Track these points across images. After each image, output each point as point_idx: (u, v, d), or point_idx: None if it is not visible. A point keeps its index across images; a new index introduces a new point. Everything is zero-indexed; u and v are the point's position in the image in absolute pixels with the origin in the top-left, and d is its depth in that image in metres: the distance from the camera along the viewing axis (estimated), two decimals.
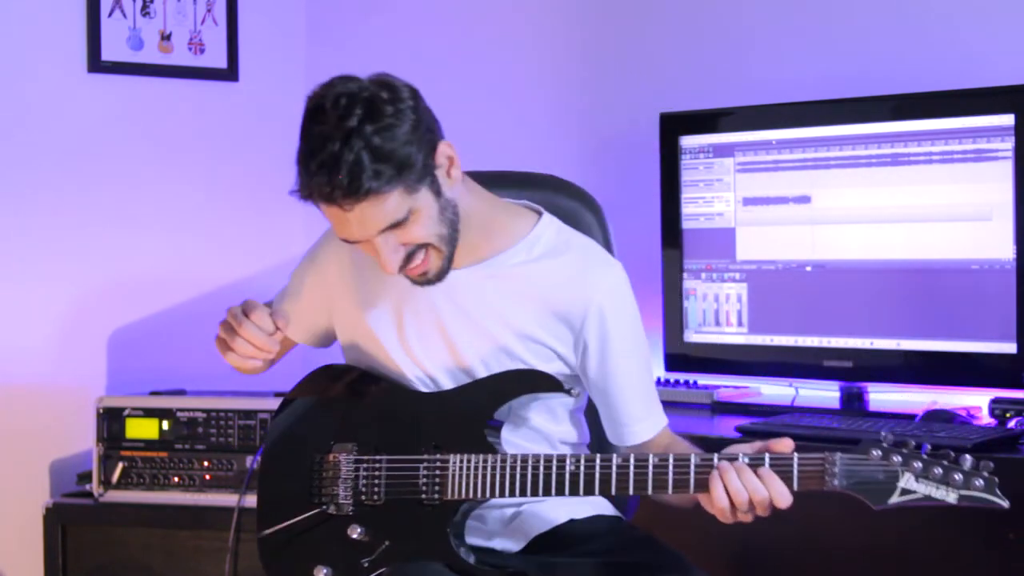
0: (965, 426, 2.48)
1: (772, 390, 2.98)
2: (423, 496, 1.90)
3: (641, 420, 2.02)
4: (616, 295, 1.99)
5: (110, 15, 3.39)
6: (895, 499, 1.72)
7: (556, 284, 1.96)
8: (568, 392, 1.90)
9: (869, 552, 2.45)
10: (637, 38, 3.26)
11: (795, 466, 1.75)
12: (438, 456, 1.91)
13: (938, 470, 1.70)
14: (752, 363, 2.92)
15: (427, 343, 1.99)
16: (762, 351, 2.90)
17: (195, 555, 2.97)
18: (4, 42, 3.29)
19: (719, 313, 2.96)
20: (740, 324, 2.93)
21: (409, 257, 1.87)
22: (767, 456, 1.77)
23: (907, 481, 1.71)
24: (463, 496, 1.89)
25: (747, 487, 1.75)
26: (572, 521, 2.00)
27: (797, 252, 2.84)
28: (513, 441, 1.98)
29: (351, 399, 2.02)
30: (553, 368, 1.98)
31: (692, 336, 2.99)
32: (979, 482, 1.69)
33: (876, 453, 1.73)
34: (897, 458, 1.72)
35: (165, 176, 3.48)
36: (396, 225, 1.82)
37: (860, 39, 2.95)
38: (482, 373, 1.97)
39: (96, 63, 3.38)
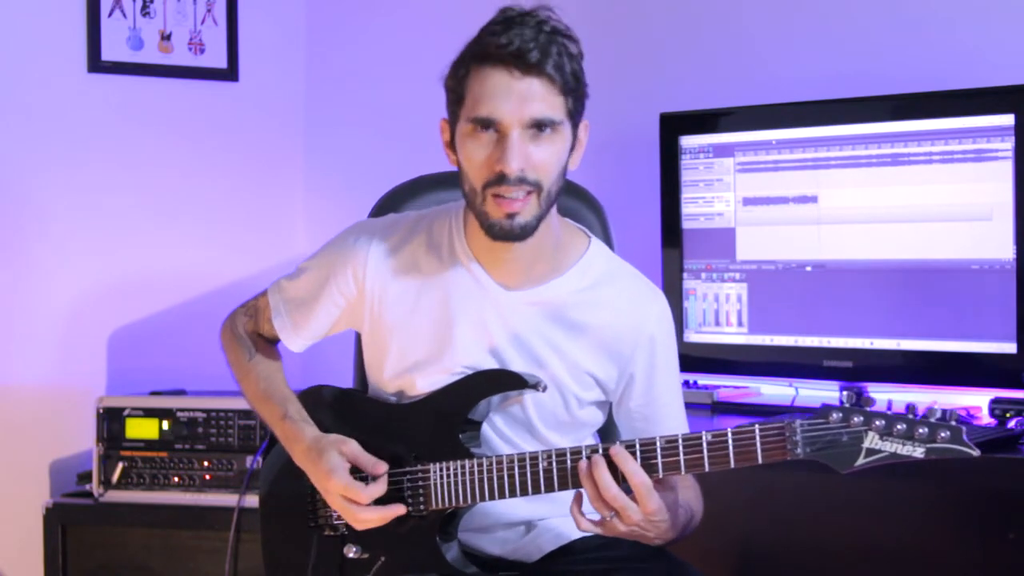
0: (965, 426, 2.48)
1: (772, 390, 2.97)
2: (410, 508, 1.91)
3: None
4: (662, 328, 2.00)
5: (110, 15, 3.39)
6: (861, 461, 1.65)
7: (607, 319, 1.95)
8: (535, 387, 1.89)
9: (869, 552, 2.45)
10: (637, 38, 3.26)
11: (757, 438, 1.70)
12: (419, 467, 1.91)
13: (901, 426, 1.64)
14: (752, 363, 2.92)
15: (472, 355, 1.95)
16: (762, 351, 2.89)
17: (195, 555, 2.97)
18: (4, 42, 3.30)
19: (719, 313, 2.95)
20: (740, 324, 2.93)
21: (520, 182, 1.82)
22: (705, 434, 1.73)
23: (871, 440, 1.65)
24: (447, 505, 1.89)
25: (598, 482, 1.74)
26: (585, 537, 1.98)
27: (797, 252, 2.84)
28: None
29: (337, 418, 2.00)
30: (592, 396, 1.98)
31: (692, 336, 2.98)
32: (945, 434, 1.62)
33: (836, 415, 1.68)
34: (858, 418, 1.66)
35: (165, 176, 3.48)
36: (542, 125, 1.82)
37: (860, 39, 2.95)
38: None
39: (96, 63, 3.38)
